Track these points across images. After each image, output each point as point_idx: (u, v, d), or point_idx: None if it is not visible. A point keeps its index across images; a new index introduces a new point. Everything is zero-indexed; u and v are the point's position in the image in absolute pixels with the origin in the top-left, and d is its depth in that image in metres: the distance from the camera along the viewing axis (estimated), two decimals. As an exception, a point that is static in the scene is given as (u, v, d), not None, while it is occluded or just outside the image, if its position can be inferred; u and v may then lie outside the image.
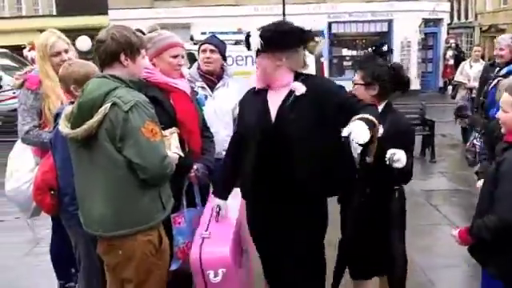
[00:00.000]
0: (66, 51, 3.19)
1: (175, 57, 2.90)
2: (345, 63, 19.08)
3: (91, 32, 13.56)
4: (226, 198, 2.83)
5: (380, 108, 2.68)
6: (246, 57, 9.62)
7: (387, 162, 2.45)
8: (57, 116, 2.76)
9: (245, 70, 8.74)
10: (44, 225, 3.43)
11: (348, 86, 2.78)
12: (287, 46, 2.50)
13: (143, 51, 2.41)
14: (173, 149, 2.57)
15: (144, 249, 2.31)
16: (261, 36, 2.49)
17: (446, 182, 6.74)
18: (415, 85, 17.79)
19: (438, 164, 7.82)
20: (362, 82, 2.71)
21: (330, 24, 18.23)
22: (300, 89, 2.47)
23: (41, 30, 3.35)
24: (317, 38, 2.32)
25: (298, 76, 2.56)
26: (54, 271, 3.50)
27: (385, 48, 2.80)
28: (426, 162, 8.04)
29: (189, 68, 3.78)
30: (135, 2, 18.17)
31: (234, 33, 11.04)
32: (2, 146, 3.29)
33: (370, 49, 2.81)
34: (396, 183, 2.74)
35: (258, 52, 2.54)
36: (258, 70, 2.62)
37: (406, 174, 2.62)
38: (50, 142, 2.86)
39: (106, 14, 19.21)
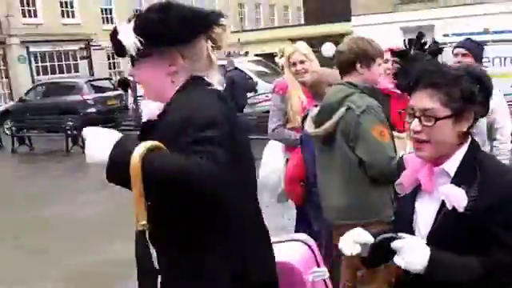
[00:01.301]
0: (302, 62, 3.58)
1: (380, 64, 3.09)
2: None
3: (336, 38, 14.42)
4: None
5: (461, 155, 1.47)
6: (505, 58, 8.96)
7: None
8: (305, 117, 3.23)
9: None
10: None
11: None
12: (182, 39, 1.57)
13: (378, 59, 2.67)
14: (407, 150, 2.77)
15: None
16: (138, 29, 1.53)
17: None
18: None
19: None
20: (449, 113, 1.43)
21: None
22: (154, 109, 1.66)
23: (291, 39, 3.83)
24: (224, 20, 1.62)
25: (187, 85, 1.63)
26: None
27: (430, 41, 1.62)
28: None
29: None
30: (377, 8, 18.45)
31: (480, 33, 10.38)
32: (257, 142, 3.97)
33: (405, 45, 1.59)
34: None
35: (137, 58, 1.60)
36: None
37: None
38: (300, 139, 3.36)
39: (350, 20, 20.00)
